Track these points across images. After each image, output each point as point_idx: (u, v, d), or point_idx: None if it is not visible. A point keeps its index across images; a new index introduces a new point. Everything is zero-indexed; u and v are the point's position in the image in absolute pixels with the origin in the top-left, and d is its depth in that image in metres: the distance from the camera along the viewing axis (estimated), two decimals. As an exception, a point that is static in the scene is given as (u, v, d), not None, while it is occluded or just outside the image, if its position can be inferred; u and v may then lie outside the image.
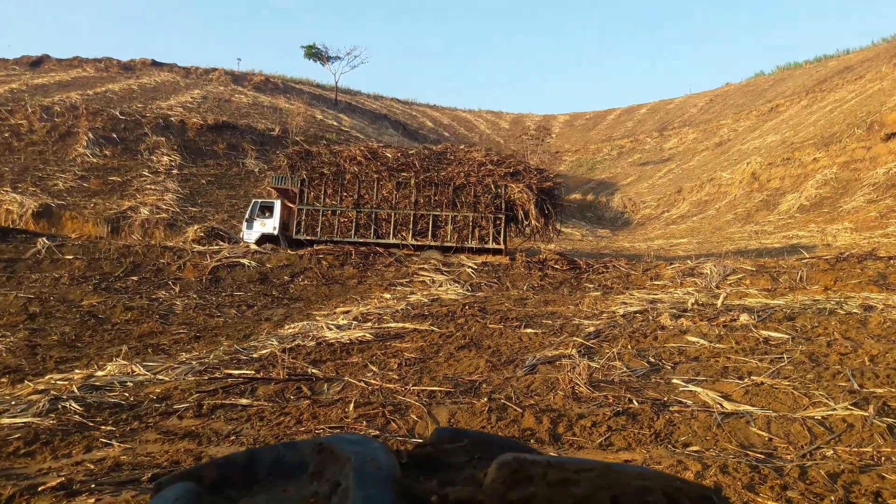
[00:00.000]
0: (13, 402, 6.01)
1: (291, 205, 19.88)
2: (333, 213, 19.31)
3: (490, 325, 9.27)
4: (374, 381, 6.58)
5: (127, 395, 6.31)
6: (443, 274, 14.20)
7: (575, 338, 8.13)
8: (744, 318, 8.55)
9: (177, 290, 12.66)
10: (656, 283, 12.98)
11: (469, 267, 14.72)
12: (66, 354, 8.46)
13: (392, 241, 18.66)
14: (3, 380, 7.20)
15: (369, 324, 9.61)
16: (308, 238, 19.01)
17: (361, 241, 18.75)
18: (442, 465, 0.75)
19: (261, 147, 35.35)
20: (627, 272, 13.97)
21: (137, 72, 55.72)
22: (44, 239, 15.05)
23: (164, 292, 12.46)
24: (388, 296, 12.22)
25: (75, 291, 12.08)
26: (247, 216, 20.30)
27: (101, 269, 13.67)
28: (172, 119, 36.20)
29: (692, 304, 9.87)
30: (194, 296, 12.30)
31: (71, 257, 14.10)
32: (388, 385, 6.45)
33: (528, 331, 8.81)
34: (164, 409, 5.86)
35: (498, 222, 18.72)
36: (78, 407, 5.82)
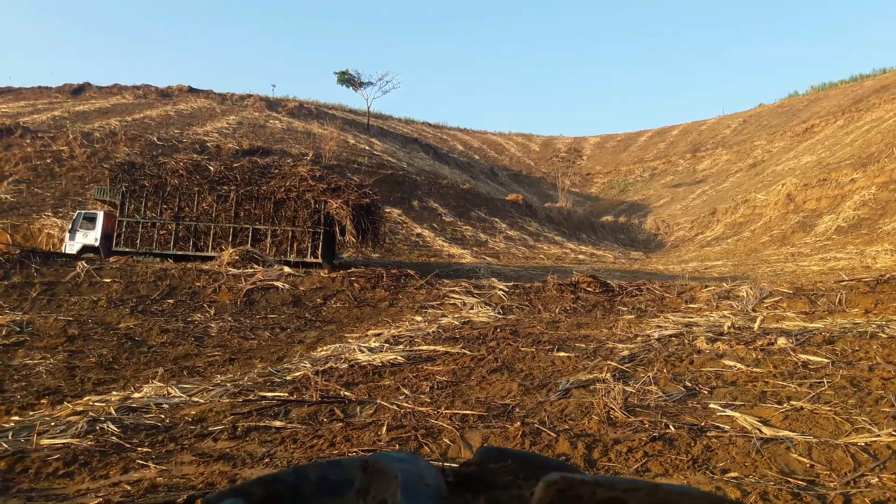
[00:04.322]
0: (53, 423, 6.12)
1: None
2: (153, 225, 19.65)
3: (522, 349, 9.21)
4: (406, 405, 6.57)
5: (163, 416, 6.39)
6: (474, 296, 14.18)
7: (609, 361, 8.04)
8: (781, 341, 8.38)
9: (212, 312, 12.82)
10: (691, 305, 12.81)
11: (500, 289, 14.68)
12: (104, 376, 8.60)
13: (211, 253, 19.01)
14: (43, 401, 7.33)
15: (401, 346, 9.62)
16: (127, 250, 19.28)
17: (180, 253, 19.18)
18: (488, 485, 0.74)
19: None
20: (662, 295, 13.80)
21: (174, 98, 57.00)
22: (83, 262, 15.38)
23: (199, 315, 12.62)
24: (419, 318, 12.23)
25: (113, 314, 12.30)
26: (70, 227, 20.58)
27: (138, 293, 13.91)
28: (208, 144, 36.90)
29: (728, 328, 9.71)
30: (229, 318, 12.44)
31: (109, 280, 14.38)
32: (420, 408, 6.43)
33: (561, 354, 8.73)
34: (200, 431, 5.91)
35: (316, 236, 19.26)
36: (115, 428, 5.89)
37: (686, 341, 9.05)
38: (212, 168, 20.68)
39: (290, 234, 19.37)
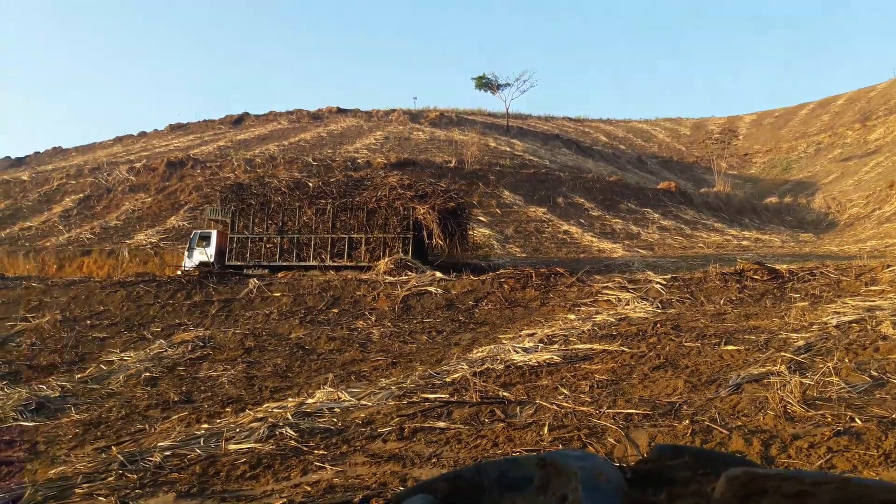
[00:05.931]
0: (237, 430, 6.63)
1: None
2: (260, 239, 21.02)
3: (686, 344, 8.87)
4: (565, 404, 6.52)
5: (335, 420, 6.75)
6: (629, 291, 13.80)
7: (783, 353, 7.57)
8: None
9: (373, 319, 13.36)
10: (872, 288, 11.75)
11: (657, 282, 14.20)
12: (279, 384, 9.21)
13: (312, 262, 20.09)
14: (227, 409, 7.97)
15: (556, 345, 9.56)
16: (238, 263, 20.61)
17: (285, 264, 20.28)
18: (666, 481, 0.74)
19: (439, 179, 36.62)
20: (838, 278, 12.78)
21: (325, 120, 59.94)
22: (254, 279, 16.58)
23: (361, 322, 13.21)
24: (572, 316, 12.09)
25: (284, 325, 13.15)
26: (188, 245, 22.02)
27: (305, 304, 14.78)
28: (359, 160, 38.55)
29: (918, 310, 8.83)
30: (388, 324, 12.92)
31: (278, 294, 15.39)
32: (580, 408, 6.36)
33: (729, 347, 8.32)
34: (369, 433, 6.20)
35: (407, 241, 19.91)
36: (293, 433, 6.30)
37: (869, 327, 8.34)
38: (310, 184, 22.18)
39: (382, 240, 20.31)
